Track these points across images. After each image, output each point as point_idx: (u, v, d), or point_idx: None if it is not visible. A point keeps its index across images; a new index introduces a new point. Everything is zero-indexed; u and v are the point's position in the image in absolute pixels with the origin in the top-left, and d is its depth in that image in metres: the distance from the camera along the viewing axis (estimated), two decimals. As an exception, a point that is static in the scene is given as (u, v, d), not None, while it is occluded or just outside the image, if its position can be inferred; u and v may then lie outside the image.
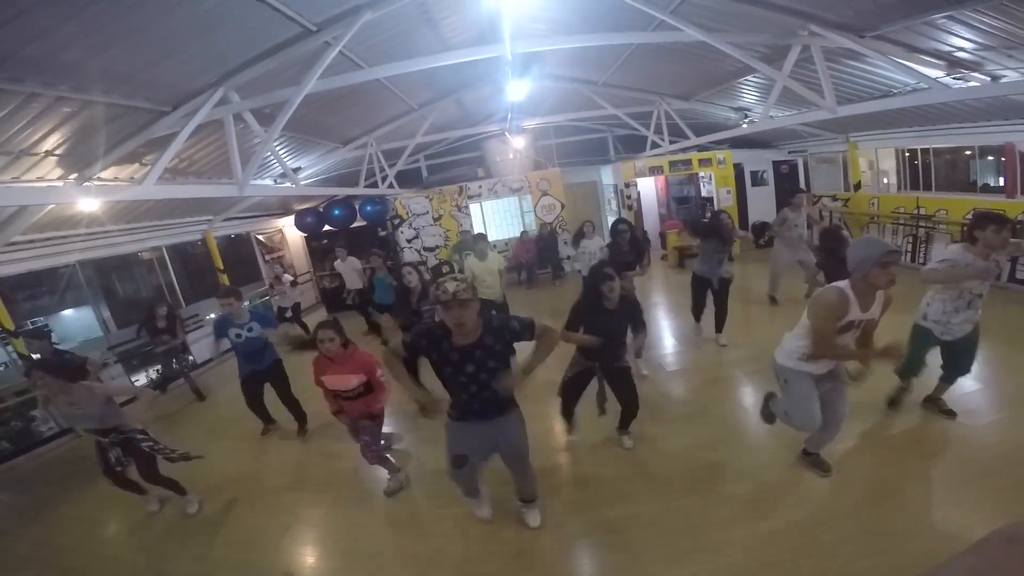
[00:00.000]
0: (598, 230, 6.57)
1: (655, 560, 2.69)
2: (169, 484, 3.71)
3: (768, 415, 3.32)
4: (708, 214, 5.71)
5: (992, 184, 6.87)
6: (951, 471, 3.02)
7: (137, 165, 4.88)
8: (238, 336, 4.42)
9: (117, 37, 3.08)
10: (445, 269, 10.94)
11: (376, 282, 6.15)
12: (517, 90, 5.84)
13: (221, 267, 8.64)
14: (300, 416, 4.83)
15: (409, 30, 4.77)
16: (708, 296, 5.54)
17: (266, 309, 8.95)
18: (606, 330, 3.38)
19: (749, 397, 4.35)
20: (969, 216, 6.82)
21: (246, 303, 9.08)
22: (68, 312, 6.63)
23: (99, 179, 4.54)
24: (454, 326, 2.40)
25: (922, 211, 7.61)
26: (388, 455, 3.82)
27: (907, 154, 7.92)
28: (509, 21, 4.03)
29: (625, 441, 3.79)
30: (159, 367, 6.64)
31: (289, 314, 8.43)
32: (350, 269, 8.12)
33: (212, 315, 8.41)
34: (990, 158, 6.81)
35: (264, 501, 3.87)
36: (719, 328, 5.59)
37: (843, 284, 2.55)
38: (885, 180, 8.62)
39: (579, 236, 6.45)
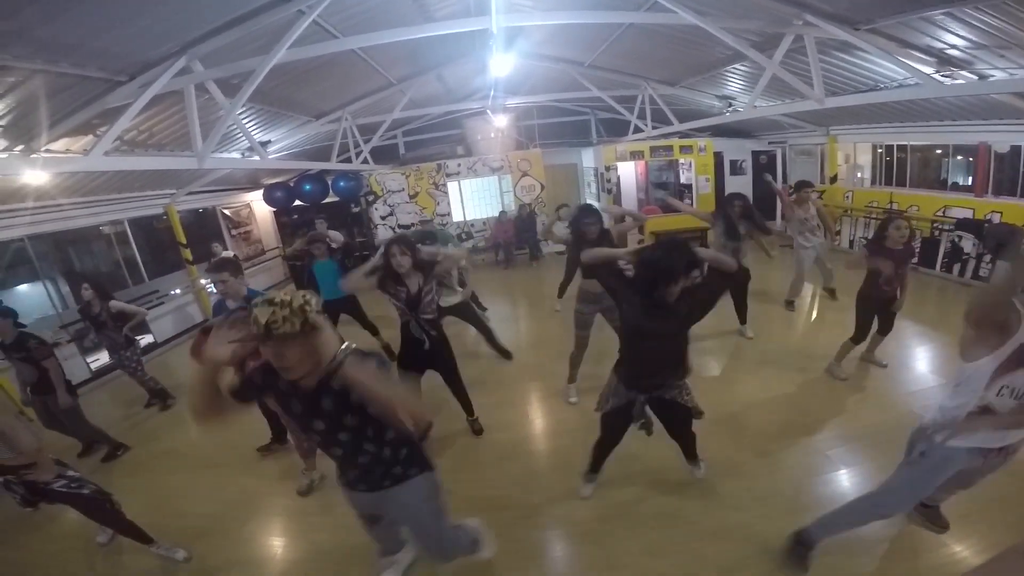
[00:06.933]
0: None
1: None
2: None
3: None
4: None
5: (961, 183, 7.02)
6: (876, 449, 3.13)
7: (91, 136, 4.51)
8: None
9: (67, 4, 2.75)
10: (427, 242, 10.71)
11: (316, 268, 4.85)
12: (501, 64, 5.58)
13: (184, 242, 8.25)
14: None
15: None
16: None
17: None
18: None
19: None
20: (940, 212, 7.00)
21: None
22: (21, 288, 6.20)
23: (48, 151, 4.18)
24: (276, 366, 1.63)
25: (895, 206, 7.75)
26: None
27: (881, 150, 8.03)
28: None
29: (696, 472, 3.12)
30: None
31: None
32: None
33: (176, 291, 8.07)
34: (960, 157, 6.95)
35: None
36: (742, 319, 5.31)
37: None
38: (860, 174, 8.75)
39: None
